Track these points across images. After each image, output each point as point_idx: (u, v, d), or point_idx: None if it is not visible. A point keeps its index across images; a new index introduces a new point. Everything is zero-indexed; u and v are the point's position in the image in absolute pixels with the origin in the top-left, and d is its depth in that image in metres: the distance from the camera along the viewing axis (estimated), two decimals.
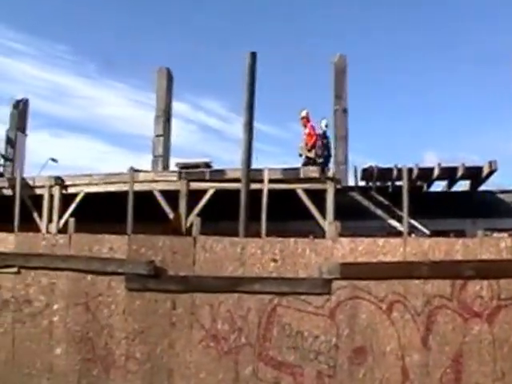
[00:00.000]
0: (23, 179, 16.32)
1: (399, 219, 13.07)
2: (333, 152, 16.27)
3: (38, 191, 16.06)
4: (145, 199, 14.10)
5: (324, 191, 13.40)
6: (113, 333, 10.33)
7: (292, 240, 9.67)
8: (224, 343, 9.61)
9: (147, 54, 62.46)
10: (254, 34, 63.79)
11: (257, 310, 9.53)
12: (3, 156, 31.53)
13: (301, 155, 16.12)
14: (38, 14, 72.15)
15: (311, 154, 15.84)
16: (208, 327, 9.74)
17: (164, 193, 14.60)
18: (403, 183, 11.74)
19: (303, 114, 16.34)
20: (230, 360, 9.55)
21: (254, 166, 12.01)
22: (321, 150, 15.36)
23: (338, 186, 13.85)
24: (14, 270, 11.26)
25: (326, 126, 15.83)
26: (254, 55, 11.58)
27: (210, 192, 14.25)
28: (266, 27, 66.74)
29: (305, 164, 15.85)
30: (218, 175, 14.49)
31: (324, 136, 15.71)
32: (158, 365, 9.98)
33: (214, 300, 9.75)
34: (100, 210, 14.93)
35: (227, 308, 9.67)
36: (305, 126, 16.25)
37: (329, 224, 12.53)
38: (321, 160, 15.43)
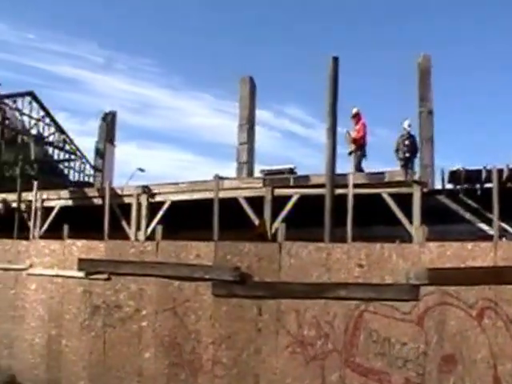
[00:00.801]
0: (112, 189, 16.84)
1: (489, 222, 12.69)
2: (418, 154, 16.00)
3: (127, 200, 16.57)
4: (230, 206, 14.27)
5: (410, 195, 13.19)
6: (200, 338, 10.59)
7: (378, 245, 9.61)
8: (310, 349, 9.64)
9: (230, 63, 63.58)
10: (338, 39, 63.69)
11: (343, 315, 9.52)
12: (93, 167, 32.93)
13: (350, 153, 15.96)
14: (124, 30, 74.99)
15: (351, 147, 15.76)
16: (294, 333, 9.79)
17: (249, 199, 14.76)
18: (493, 185, 11.37)
19: (354, 111, 16.23)
20: (317, 366, 9.58)
21: (338, 171, 12.00)
22: (406, 149, 15.10)
23: (425, 190, 13.57)
24: (105, 276, 11.86)
25: (410, 126, 15.57)
26: (336, 60, 11.57)
27: (295, 198, 14.29)
28: (348, 32, 66.54)
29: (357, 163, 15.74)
30: (303, 181, 14.52)
31: (408, 136, 15.44)
32: (245, 370, 10.12)
33: (299, 306, 9.80)
34: (186, 218, 15.26)
35: (313, 314, 9.69)
36: (356, 123, 16.14)
37: (416, 228, 12.32)
38: (407, 155, 15.10)
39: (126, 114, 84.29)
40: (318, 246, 10.00)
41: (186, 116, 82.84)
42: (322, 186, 12.05)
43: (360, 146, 15.90)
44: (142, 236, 15.64)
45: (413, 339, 9.10)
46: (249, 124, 19.49)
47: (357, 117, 16.39)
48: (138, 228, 16.02)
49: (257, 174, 18.25)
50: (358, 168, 15.61)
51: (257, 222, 14.42)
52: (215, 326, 10.47)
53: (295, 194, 14.43)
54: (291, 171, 16.61)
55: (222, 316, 10.43)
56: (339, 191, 11.91)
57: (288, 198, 14.46)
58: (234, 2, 73.04)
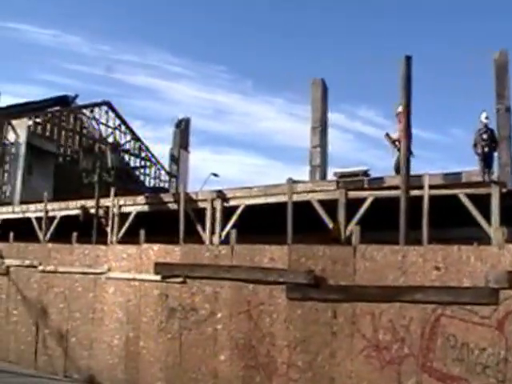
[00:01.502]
0: (187, 194, 17.15)
1: None
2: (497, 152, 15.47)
3: (201, 205, 16.80)
4: (303, 209, 14.29)
5: (488, 195, 12.83)
6: (275, 341, 10.63)
7: (455, 247, 9.38)
8: (386, 353, 9.53)
9: (301, 67, 63.56)
10: (408, 38, 62.62)
11: (419, 319, 9.36)
12: (168, 173, 33.68)
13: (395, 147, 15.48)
14: (195, 37, 76.25)
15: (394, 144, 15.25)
16: (369, 337, 9.71)
17: (322, 202, 14.71)
18: None
19: (399, 109, 15.80)
20: (393, 370, 9.45)
21: (413, 172, 11.83)
22: (485, 143, 14.58)
23: (504, 190, 13.18)
24: (181, 279, 12.10)
25: (487, 118, 14.99)
26: (408, 59, 11.43)
27: (369, 200, 14.14)
28: (420, 30, 65.22)
29: (397, 162, 15.27)
30: (377, 183, 14.37)
31: (486, 129, 14.86)
32: (320, 373, 10.10)
33: (375, 309, 9.70)
34: (260, 222, 15.37)
35: (389, 318, 9.58)
36: (400, 121, 15.64)
37: (494, 230, 11.96)
38: (486, 149, 14.50)
39: (199, 120, 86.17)
40: (394, 249, 9.88)
41: (258, 120, 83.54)
42: (396, 187, 11.93)
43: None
44: (216, 240, 15.84)
45: (492, 344, 8.81)
46: (321, 126, 19.43)
47: (400, 115, 15.95)
48: (213, 232, 16.23)
49: (330, 176, 18.17)
50: (397, 169, 15.10)
51: (331, 225, 14.36)
52: (290, 329, 10.48)
53: (369, 196, 14.27)
54: (365, 173, 16.41)
55: (297, 319, 10.44)
56: (414, 193, 11.72)
57: (362, 200, 14.31)
58: (300, 1, 73.21)
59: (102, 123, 31.87)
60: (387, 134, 15.69)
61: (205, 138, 73.10)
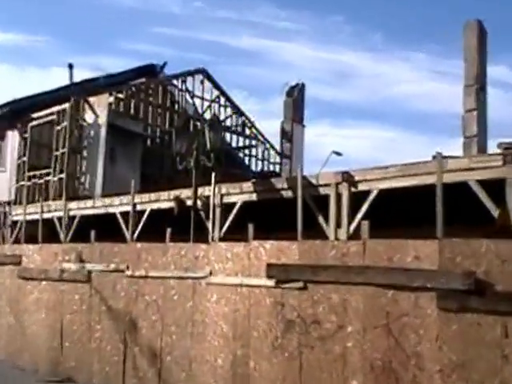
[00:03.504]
0: (304, 178, 16.84)
1: None
2: None
3: (323, 191, 16.43)
4: (456, 193, 13.69)
5: None
6: (422, 365, 10.35)
7: None
8: None
9: (447, 7, 61.37)
10: None
11: None
12: (279, 153, 33.67)
13: None
14: None
15: None
16: None
17: (483, 183, 14.02)
18: None
19: None
20: None
21: None
22: None
23: None
24: (300, 284, 12.14)
25: None
26: None
27: None
28: None
29: None
30: None
31: None
32: None
33: None
34: (398, 210, 14.96)
35: None
36: None
37: None
38: None
39: (316, 87, 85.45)
40: None
41: (391, 84, 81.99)
42: None
43: None
44: (343, 234, 15.48)
45: None
46: (478, 84, 18.59)
47: None
48: (338, 225, 15.88)
49: (493, 149, 17.35)
50: None
51: (496, 212, 13.61)
52: (443, 350, 10.15)
53: None
54: None
55: (453, 337, 10.09)
56: None
57: None
58: None
59: (197, 96, 32.19)
60: None
61: (323, 108, 72.71)
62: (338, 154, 30.74)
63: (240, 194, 18.72)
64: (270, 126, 46.78)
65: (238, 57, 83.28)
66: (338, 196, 15.76)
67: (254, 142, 34.51)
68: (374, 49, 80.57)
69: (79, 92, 26.37)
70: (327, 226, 15.96)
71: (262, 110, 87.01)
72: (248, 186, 18.91)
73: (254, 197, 18.47)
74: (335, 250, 11.99)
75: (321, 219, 16.09)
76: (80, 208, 21.76)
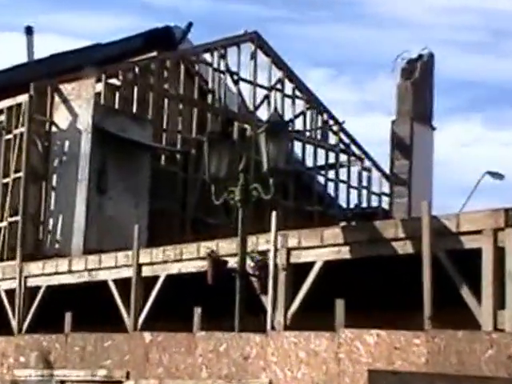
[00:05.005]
0: (435, 219, 16.46)
1: None
2: None
3: (468, 242, 15.98)
4: None
5: None
6: None
7: None
8: None
9: None
10: None
11: None
12: (388, 177, 33.11)
13: None
14: None
15: None
16: None
17: None
18: None
19: None
20: None
21: None
22: None
23: None
24: None
25: None
26: None
27: None
28: None
29: None
30: None
31: None
32: None
33: None
34: None
35: None
36: None
37: None
38: None
39: (455, 60, 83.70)
40: None
41: None
42: None
43: None
44: (509, 320, 15.00)
45: None
46: None
47: None
48: (498, 303, 15.32)
49: None
50: None
51: None
52: None
53: None
54: None
55: None
56: None
57: None
58: None
59: (246, 80, 31.67)
60: None
61: (469, 96, 71.71)
62: (498, 176, 30.03)
63: (320, 247, 18.42)
64: (371, 129, 45.85)
65: (315, 8, 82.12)
66: (498, 251, 15.13)
67: (343, 158, 34.12)
68: None
69: (44, 75, 26.15)
70: (478, 304, 15.25)
71: (357, 102, 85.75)
72: (334, 233, 18.44)
73: (343, 253, 17.99)
74: (495, 348, 11.73)
75: (465, 291, 15.42)
76: (47, 274, 21.60)
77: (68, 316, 17.58)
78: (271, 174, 18.28)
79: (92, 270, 20.62)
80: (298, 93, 32.86)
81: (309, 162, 33.16)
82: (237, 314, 17.44)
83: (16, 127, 25.20)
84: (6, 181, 25.26)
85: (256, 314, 18.13)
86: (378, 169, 33.67)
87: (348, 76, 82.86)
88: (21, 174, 24.71)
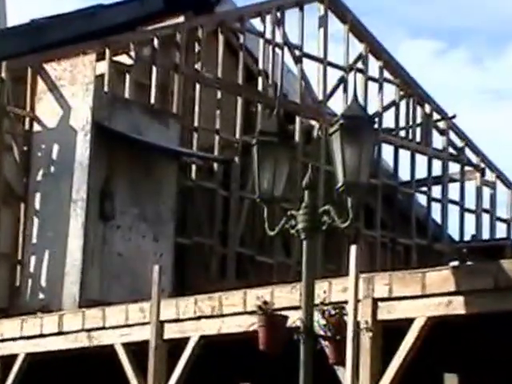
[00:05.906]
0: None
1: None
2: None
3: None
4: None
5: None
6: None
7: None
8: None
9: None
10: None
11: None
12: None
13: None
14: None
15: None
16: None
17: None
18: None
19: None
20: None
21: None
22: None
23: None
24: None
25: None
26: None
27: None
28: None
29: None
30: None
31: None
32: None
33: None
34: None
35: None
36: None
37: None
38: None
39: None
40: None
41: None
42: None
43: None
44: None
45: None
46: None
47: None
48: None
49: None
50: None
51: None
52: None
53: None
54: None
55: None
56: None
57: None
58: None
59: (312, 56, 31.21)
60: None
61: None
62: None
63: (422, 297, 17.85)
64: (496, 128, 45.27)
65: None
66: None
67: (454, 169, 33.69)
68: None
69: (22, 50, 25.85)
70: None
71: (476, 88, 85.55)
72: (442, 277, 17.87)
73: (456, 305, 17.40)
74: None
75: None
76: (26, 337, 21.36)
77: None
78: (349, 191, 17.43)
79: (92, 330, 20.24)
80: (387, 75, 32.33)
81: (404, 175, 32.66)
82: None
83: None
84: None
85: None
86: (506, 184, 33.01)
87: (463, 51, 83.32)
88: None
